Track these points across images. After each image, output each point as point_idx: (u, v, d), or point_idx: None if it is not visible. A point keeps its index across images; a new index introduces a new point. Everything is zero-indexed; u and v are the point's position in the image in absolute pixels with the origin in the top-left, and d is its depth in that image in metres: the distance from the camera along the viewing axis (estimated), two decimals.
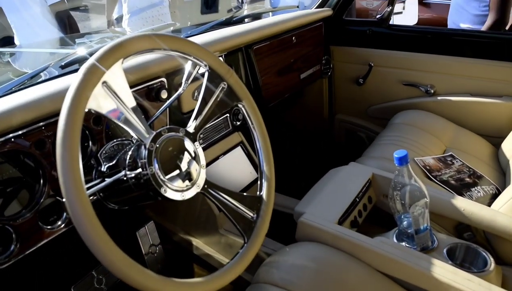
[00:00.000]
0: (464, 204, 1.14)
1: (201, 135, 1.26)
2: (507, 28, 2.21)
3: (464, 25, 2.30)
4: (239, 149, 1.35)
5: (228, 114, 1.34)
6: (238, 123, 1.35)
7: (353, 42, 1.91)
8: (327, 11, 1.82)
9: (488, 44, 1.72)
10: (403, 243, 1.05)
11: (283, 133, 2.06)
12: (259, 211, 0.77)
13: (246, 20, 1.67)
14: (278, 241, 1.17)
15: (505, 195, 1.20)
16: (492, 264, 0.98)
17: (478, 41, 1.74)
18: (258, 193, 0.79)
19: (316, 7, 1.87)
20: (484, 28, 2.17)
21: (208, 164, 1.28)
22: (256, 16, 1.74)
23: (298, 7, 1.92)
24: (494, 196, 1.34)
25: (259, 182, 0.80)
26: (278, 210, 1.28)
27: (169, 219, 1.40)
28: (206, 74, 0.77)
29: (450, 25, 2.44)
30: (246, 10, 2.17)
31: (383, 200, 1.24)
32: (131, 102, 0.67)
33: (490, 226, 1.10)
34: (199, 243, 1.31)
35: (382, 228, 1.16)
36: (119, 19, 2.58)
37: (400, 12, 5.04)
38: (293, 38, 1.59)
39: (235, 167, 1.30)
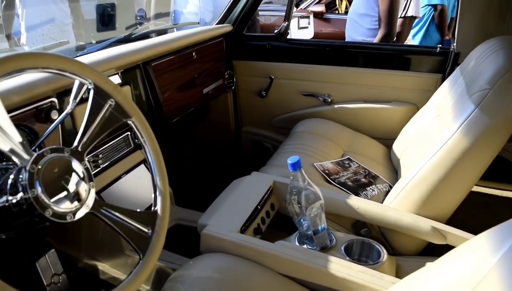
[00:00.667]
0: (358, 203, 1.21)
1: (100, 155, 1.22)
2: (394, 40, 2.42)
3: (359, 38, 2.47)
4: (142, 167, 1.33)
5: (128, 133, 1.31)
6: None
7: (254, 56, 1.97)
8: (227, 27, 1.87)
9: (378, 55, 1.87)
10: (305, 245, 1.09)
11: (188, 148, 2.05)
12: (154, 226, 0.76)
13: (146, 37, 1.66)
14: (185, 255, 1.16)
15: (394, 191, 1.29)
16: (384, 255, 1.05)
17: (370, 52, 1.89)
18: (152, 208, 0.79)
19: (217, 23, 1.90)
20: (375, 40, 2.35)
21: (110, 184, 1.26)
22: (158, 33, 1.74)
23: (199, 23, 1.95)
24: (387, 193, 1.42)
25: (153, 197, 0.79)
26: (183, 224, 1.27)
27: (72, 245, 1.32)
28: (92, 92, 0.76)
29: (348, 38, 2.60)
30: (148, 26, 2.14)
31: (285, 205, 1.27)
32: (6, 124, 0.64)
33: (382, 221, 1.19)
34: (105, 267, 1.26)
35: (286, 233, 1.19)
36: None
37: (306, 27, 5.31)
38: (194, 54, 1.60)
39: (139, 185, 1.28)
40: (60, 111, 1.00)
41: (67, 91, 1.05)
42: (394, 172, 1.63)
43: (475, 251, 0.68)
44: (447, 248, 1.13)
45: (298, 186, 1.03)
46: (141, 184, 1.30)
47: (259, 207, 1.16)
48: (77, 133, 1.11)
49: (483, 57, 1.25)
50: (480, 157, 1.11)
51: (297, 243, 1.10)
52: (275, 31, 1.93)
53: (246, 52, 1.96)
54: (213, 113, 2.09)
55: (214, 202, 1.18)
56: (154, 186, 0.80)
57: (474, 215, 1.23)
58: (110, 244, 1.23)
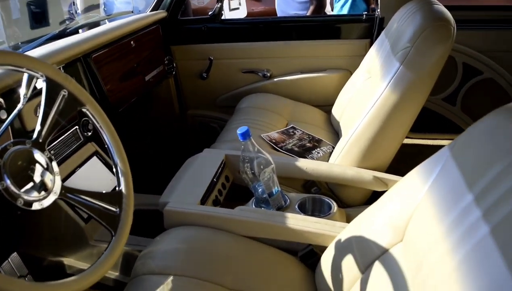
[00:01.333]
0: (306, 164, 1.30)
1: (52, 152, 1.22)
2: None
3: (292, 12, 2.56)
4: (94, 158, 1.33)
5: (77, 127, 1.31)
6: (89, 133, 1.32)
7: (192, 39, 1.99)
8: (161, 13, 1.88)
9: (310, 27, 1.96)
10: (262, 208, 1.17)
11: (138, 137, 2.06)
12: (122, 205, 0.80)
13: (81, 30, 1.64)
14: (149, 237, 1.19)
15: (337, 149, 1.39)
16: (335, 207, 1.14)
17: (302, 25, 1.97)
18: (117, 188, 0.82)
19: (151, 11, 1.90)
20: (308, 13, 2.45)
21: (65, 179, 1.26)
22: (92, 25, 1.72)
23: (132, 12, 1.93)
24: (330, 152, 1.53)
25: (116, 178, 0.83)
26: (143, 209, 1.30)
27: (34, 245, 1.32)
28: (44, 85, 0.77)
29: (280, 14, 2.68)
30: (80, 20, 2.10)
31: (239, 176, 1.34)
32: None
33: (329, 177, 1.29)
34: (71, 261, 1.27)
35: (243, 202, 1.26)
36: None
37: (237, 8, 5.31)
38: (132, 42, 1.61)
39: (94, 177, 1.29)
40: (8, 111, 0.99)
41: (13, 90, 1.04)
42: (336, 135, 1.74)
43: (409, 186, 0.78)
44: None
45: (249, 154, 1.10)
46: (96, 176, 1.31)
47: (215, 179, 1.21)
48: (25, 131, 1.11)
49: (403, 19, 1.36)
50: (408, 109, 1.23)
51: (253, 206, 1.17)
52: (209, 13, 1.96)
53: (183, 36, 1.98)
54: (158, 100, 2.10)
55: (172, 180, 1.22)
56: (116, 167, 0.83)
57: (408, 164, 1.35)
58: (72, 238, 1.23)
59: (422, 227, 0.70)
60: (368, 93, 1.43)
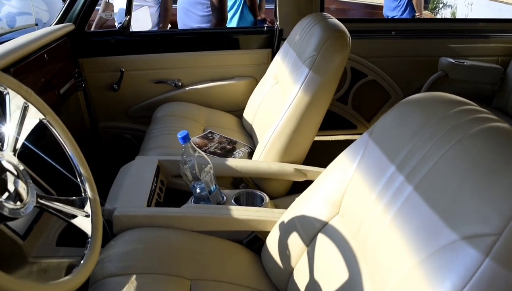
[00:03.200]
0: (235, 162, 1.42)
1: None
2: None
3: (194, 25, 2.62)
4: None
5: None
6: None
7: (101, 52, 1.97)
8: (68, 26, 1.83)
9: (215, 38, 2.07)
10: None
11: (49, 154, 1.98)
12: (91, 209, 0.83)
13: None
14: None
15: (259, 147, 1.53)
16: (267, 198, 1.28)
17: (207, 37, 2.09)
18: (83, 194, 0.85)
19: (56, 23, 1.85)
20: (211, 26, 2.55)
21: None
22: None
23: (37, 25, 1.86)
24: (250, 154, 1.68)
25: (81, 185, 0.86)
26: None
27: None
28: (8, 97, 0.77)
29: (181, 26, 2.72)
30: None
31: (172, 180, 1.41)
32: None
33: (256, 173, 1.42)
34: (10, 281, 1.23)
35: (179, 204, 1.33)
36: None
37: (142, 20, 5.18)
38: (45, 55, 1.57)
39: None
40: None
41: None
42: (249, 136, 1.88)
43: (338, 167, 0.95)
44: (308, 183, 1.43)
45: (190, 156, 1.19)
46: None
47: (154, 184, 1.27)
48: None
49: (305, 31, 1.56)
50: (319, 107, 1.42)
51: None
52: (117, 25, 1.98)
53: (92, 49, 1.96)
54: (65, 114, 2.03)
55: (112, 188, 1.25)
56: (79, 175, 0.87)
57: (319, 156, 1.55)
58: (10, 258, 1.19)
59: (355, 198, 0.87)
60: (279, 96, 1.59)
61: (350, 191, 0.89)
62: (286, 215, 1.05)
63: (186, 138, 1.16)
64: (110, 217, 1.13)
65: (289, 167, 1.42)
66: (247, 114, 1.94)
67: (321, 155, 1.50)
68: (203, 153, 1.21)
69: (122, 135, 2.16)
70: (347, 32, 1.42)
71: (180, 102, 2.04)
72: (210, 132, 1.81)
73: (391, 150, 0.82)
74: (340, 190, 0.91)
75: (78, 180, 0.86)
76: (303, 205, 1.00)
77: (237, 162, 1.42)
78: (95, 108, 2.10)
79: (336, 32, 1.40)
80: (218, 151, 1.66)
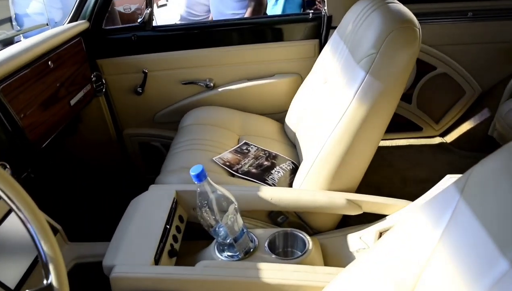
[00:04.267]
0: (270, 192, 1.16)
1: None
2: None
3: (228, 12, 2.39)
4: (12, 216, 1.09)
5: None
6: None
7: (121, 51, 1.78)
8: (83, 24, 1.64)
9: (251, 30, 1.80)
10: (225, 253, 1.02)
11: (68, 170, 1.82)
12: None
13: None
14: None
15: (301, 171, 1.27)
16: (309, 243, 1.02)
17: (242, 28, 1.81)
18: (45, 281, 0.63)
19: (69, 22, 1.66)
20: (246, 15, 2.30)
21: None
22: (3, 44, 1.46)
23: (48, 24, 1.68)
24: (293, 171, 1.43)
25: (43, 268, 0.63)
26: (85, 262, 1.12)
27: None
28: None
29: (215, 14, 2.51)
30: None
31: (194, 213, 1.19)
32: None
33: (298, 206, 1.16)
34: None
35: (203, 241, 1.11)
36: None
37: (165, 4, 5.05)
38: (50, 62, 1.37)
39: (15, 240, 1.05)
40: None
41: None
42: (292, 146, 1.63)
43: (412, 236, 0.66)
44: (363, 215, 1.15)
45: (207, 197, 0.94)
46: (18, 237, 1.08)
47: (167, 226, 1.04)
48: None
49: (359, 20, 1.25)
50: (377, 122, 1.12)
51: (217, 253, 1.02)
52: (138, 20, 1.76)
53: (110, 48, 1.76)
54: (87, 122, 1.87)
55: (115, 233, 1.03)
56: (40, 254, 0.63)
57: (375, 166, 1.28)
58: None
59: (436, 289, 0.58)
60: (329, 101, 1.32)
61: (428, 277, 0.59)
62: (334, 286, 0.77)
63: (201, 176, 0.91)
64: (109, 276, 0.91)
65: (340, 198, 1.15)
66: (290, 119, 1.68)
67: (378, 166, 1.26)
68: (224, 190, 0.96)
69: (150, 143, 1.98)
70: (416, 22, 1.10)
71: (212, 106, 1.82)
72: (246, 143, 1.57)
73: (495, 220, 0.52)
74: (412, 271, 0.62)
75: (40, 261, 0.63)
76: (357, 277, 0.72)
77: (273, 192, 1.16)
78: (119, 114, 1.92)
79: (401, 22, 1.08)
80: (253, 170, 1.41)
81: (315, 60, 1.62)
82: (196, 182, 0.91)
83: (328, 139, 1.16)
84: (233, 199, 0.97)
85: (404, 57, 1.07)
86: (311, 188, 1.22)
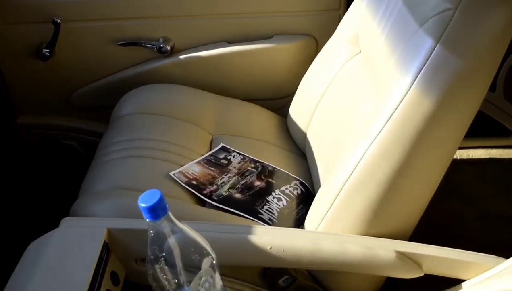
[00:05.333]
0: (267, 237, 1.15)
1: None
2: None
3: None
4: None
5: None
6: None
7: None
8: None
9: None
10: None
11: None
12: None
13: None
14: None
15: (319, 201, 1.28)
16: None
17: None
18: None
19: None
20: None
21: None
22: None
23: None
24: (303, 198, 1.44)
25: None
26: None
27: None
28: None
29: None
30: None
31: (138, 268, 1.17)
32: None
33: (312, 262, 1.15)
34: None
35: None
36: None
37: None
38: None
39: None
40: None
41: None
42: (301, 156, 1.65)
43: None
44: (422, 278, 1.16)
45: (165, 245, 0.90)
46: None
47: None
48: None
49: None
50: (452, 124, 1.13)
51: None
52: None
53: None
54: None
55: None
56: None
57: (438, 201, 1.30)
58: None
59: None
60: (365, 87, 1.35)
61: None
62: None
63: (158, 210, 0.86)
64: None
65: (385, 250, 1.15)
66: (298, 111, 1.72)
67: (442, 192, 1.29)
68: (197, 236, 0.93)
69: (61, 142, 2.02)
70: None
71: (168, 85, 1.85)
72: (224, 148, 1.60)
73: None
74: None
75: None
76: None
77: (272, 237, 1.15)
78: (11, 91, 1.95)
79: None
80: (238, 195, 1.43)
81: (341, 15, 1.64)
82: (147, 220, 0.86)
83: (367, 150, 1.15)
84: (209, 248, 0.94)
85: (501, 18, 1.06)
86: (335, 231, 1.22)
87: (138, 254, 1.16)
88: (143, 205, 0.86)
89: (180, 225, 0.91)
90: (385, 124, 1.12)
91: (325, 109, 1.54)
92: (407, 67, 1.11)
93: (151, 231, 0.89)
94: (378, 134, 1.13)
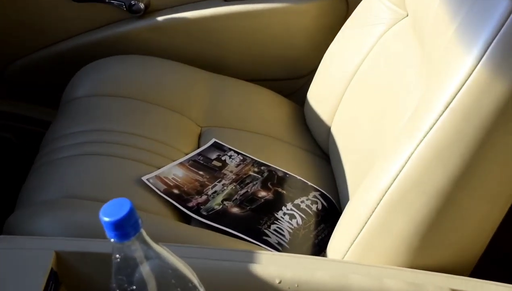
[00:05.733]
0: (278, 269, 1.16)
1: None
2: None
3: None
4: None
5: None
6: None
7: None
8: None
9: None
10: None
11: None
12: None
13: None
14: None
15: (347, 221, 1.29)
16: None
17: None
18: None
19: None
20: None
21: None
22: None
23: None
24: (326, 213, 1.46)
25: None
26: None
27: None
28: None
29: None
30: None
31: None
32: None
33: None
34: None
35: None
36: None
37: None
38: None
39: None
40: None
41: None
42: (323, 158, 1.67)
43: None
44: None
45: (135, 276, 0.92)
46: None
47: None
48: None
49: None
50: None
51: None
52: None
53: None
54: None
55: None
56: None
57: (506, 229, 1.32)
58: None
59: None
60: (409, 60, 1.39)
61: None
62: None
63: (127, 228, 0.87)
64: None
65: (437, 287, 1.14)
66: (319, 96, 1.73)
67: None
68: (177, 261, 0.94)
69: None
70: None
71: (142, 56, 1.88)
72: (216, 145, 1.61)
73: None
74: None
75: None
76: None
77: (283, 271, 1.16)
78: None
79: None
80: (235, 210, 1.44)
81: None
82: (112, 240, 0.88)
83: (414, 152, 1.16)
84: (196, 281, 0.96)
85: None
86: (369, 261, 1.23)
87: (98, 287, 1.16)
88: (106, 219, 0.87)
89: (157, 248, 0.92)
90: (439, 117, 1.13)
91: (356, 95, 1.55)
92: (473, 36, 1.13)
93: (117, 256, 0.91)
94: (429, 130, 1.14)
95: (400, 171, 1.18)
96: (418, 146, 1.15)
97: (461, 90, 1.11)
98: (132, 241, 0.90)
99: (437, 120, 1.13)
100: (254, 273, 1.15)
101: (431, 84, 1.20)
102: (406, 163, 1.17)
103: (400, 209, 1.20)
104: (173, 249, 0.94)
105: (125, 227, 0.87)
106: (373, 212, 1.21)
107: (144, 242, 0.91)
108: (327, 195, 1.51)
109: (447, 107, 1.12)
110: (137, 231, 0.89)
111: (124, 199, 0.88)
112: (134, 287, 0.92)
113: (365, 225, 1.22)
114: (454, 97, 1.11)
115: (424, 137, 1.14)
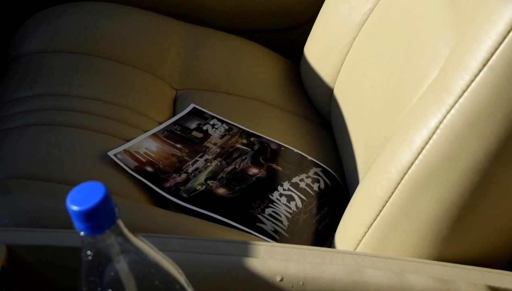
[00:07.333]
0: (278, 263, 1.16)
1: None
2: None
3: None
4: None
5: None
6: None
7: None
8: None
9: None
10: None
11: None
12: None
13: None
14: None
15: (359, 205, 1.28)
16: None
17: None
18: None
19: None
20: None
21: None
22: None
23: None
24: (330, 194, 1.46)
25: None
26: None
27: None
28: None
29: None
30: None
31: None
32: None
33: None
34: None
35: None
36: None
37: None
38: None
39: None
40: None
41: None
42: (322, 124, 1.69)
43: None
44: None
45: (110, 276, 0.91)
46: None
47: None
48: None
49: None
50: None
51: None
52: None
53: None
54: None
55: None
56: None
57: None
58: None
59: None
60: (432, 7, 1.38)
61: None
62: None
63: (100, 218, 0.86)
64: None
65: (469, 283, 1.16)
66: (320, 51, 1.73)
67: None
68: (163, 262, 0.92)
69: None
70: None
71: (100, 2, 1.89)
72: (196, 112, 1.61)
73: None
74: None
75: None
76: None
77: (284, 266, 1.17)
78: None
79: None
80: (221, 191, 1.45)
81: None
82: (82, 233, 0.87)
83: (442, 122, 1.16)
84: (183, 280, 0.95)
85: None
86: (386, 253, 1.25)
87: (61, 289, 1.17)
88: (75, 208, 0.85)
89: (137, 242, 0.91)
90: (475, 77, 1.13)
91: (366, 49, 1.55)
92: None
93: (88, 252, 0.89)
94: (463, 94, 1.14)
95: (427, 143, 1.18)
96: (448, 112, 1.15)
97: (503, 43, 1.10)
98: (107, 234, 0.88)
99: (472, 81, 1.12)
100: (250, 269, 1.15)
101: (463, 37, 1.20)
102: (433, 133, 1.17)
103: (426, 189, 1.20)
104: (152, 240, 0.93)
105: (99, 217, 0.85)
106: (392, 193, 1.21)
107: (121, 234, 0.89)
108: (331, 171, 1.51)
109: (485, 65, 1.12)
110: (112, 222, 0.87)
111: (96, 183, 0.86)
112: (110, 290, 0.91)
113: (382, 209, 1.23)
114: (494, 52, 1.11)
115: (455, 102, 1.14)
